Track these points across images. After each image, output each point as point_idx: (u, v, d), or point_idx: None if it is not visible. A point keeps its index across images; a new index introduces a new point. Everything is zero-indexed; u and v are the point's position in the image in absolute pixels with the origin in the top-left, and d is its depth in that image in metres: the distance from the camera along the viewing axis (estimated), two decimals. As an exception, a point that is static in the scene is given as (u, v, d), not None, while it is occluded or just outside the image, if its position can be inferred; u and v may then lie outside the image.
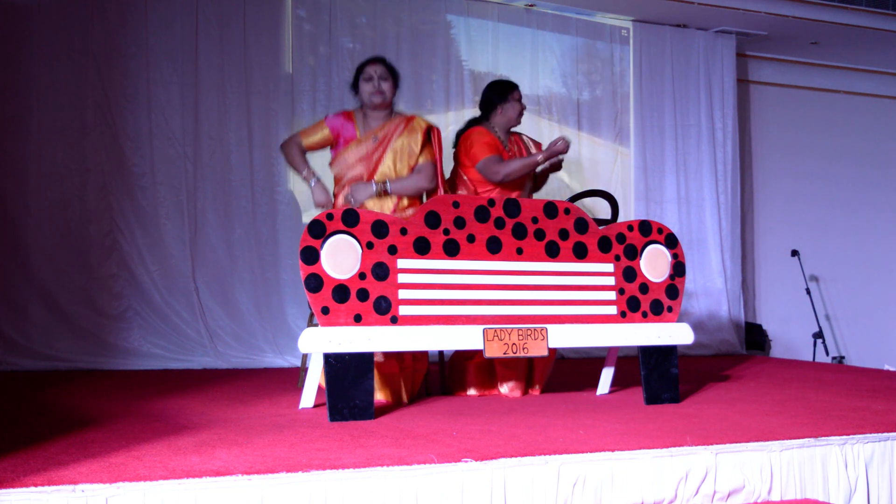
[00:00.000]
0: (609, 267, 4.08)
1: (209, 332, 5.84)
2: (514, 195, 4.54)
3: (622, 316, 4.05)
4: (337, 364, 3.49)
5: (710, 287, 7.57)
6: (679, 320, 4.22)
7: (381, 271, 3.63)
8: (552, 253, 3.97)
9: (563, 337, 3.88)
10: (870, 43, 7.83)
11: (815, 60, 8.40)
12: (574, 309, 3.95)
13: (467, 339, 3.71)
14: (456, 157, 4.67)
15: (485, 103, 4.73)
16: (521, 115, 4.74)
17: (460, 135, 4.72)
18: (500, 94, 4.68)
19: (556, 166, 4.75)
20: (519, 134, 4.85)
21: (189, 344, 5.76)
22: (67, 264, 5.64)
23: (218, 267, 6.02)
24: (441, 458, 2.71)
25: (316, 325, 3.75)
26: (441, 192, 4.30)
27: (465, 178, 4.60)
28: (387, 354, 4.03)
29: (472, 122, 4.77)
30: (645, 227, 4.21)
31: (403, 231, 3.71)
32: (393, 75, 4.36)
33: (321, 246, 3.56)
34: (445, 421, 3.50)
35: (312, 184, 4.32)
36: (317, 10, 6.39)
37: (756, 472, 3.05)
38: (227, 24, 6.13)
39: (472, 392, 4.48)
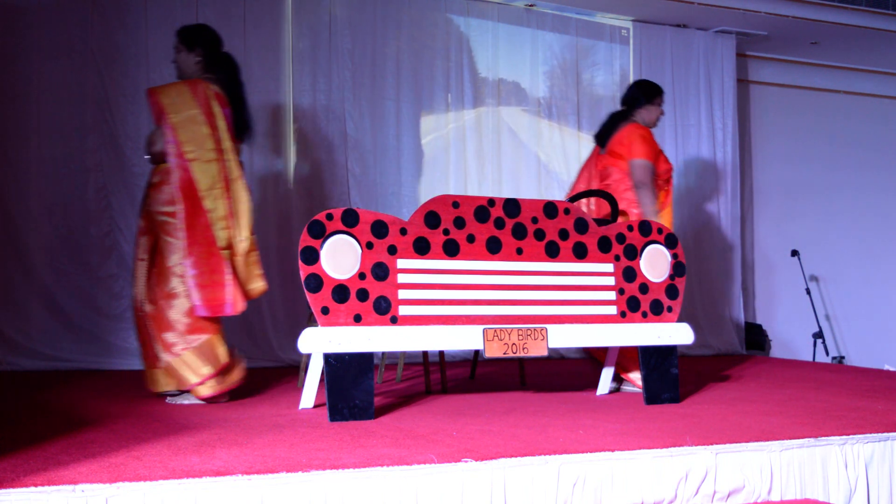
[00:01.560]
0: (609, 267, 4.08)
1: (209, 332, 5.84)
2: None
3: (622, 316, 4.05)
4: (337, 364, 3.49)
5: (711, 287, 7.57)
6: (679, 320, 4.22)
7: (381, 271, 3.63)
8: (552, 253, 3.97)
9: (563, 337, 3.88)
10: (870, 43, 7.83)
11: (815, 60, 8.40)
12: (574, 309, 3.95)
13: (467, 339, 3.71)
14: (618, 146, 4.74)
15: (630, 100, 4.89)
16: (658, 119, 4.88)
17: (612, 126, 4.83)
18: (647, 95, 4.85)
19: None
20: None
21: (189, 344, 5.75)
22: (67, 264, 5.64)
23: (218, 267, 6.01)
24: (441, 458, 2.71)
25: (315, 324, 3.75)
26: (170, 156, 3.99)
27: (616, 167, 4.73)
28: None
29: (618, 116, 4.88)
30: (645, 227, 4.21)
31: (403, 231, 3.71)
32: (188, 44, 4.20)
33: (321, 246, 3.55)
34: (445, 421, 3.50)
35: None
36: (317, 10, 6.38)
37: (756, 472, 3.05)
38: (227, 24, 6.11)
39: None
